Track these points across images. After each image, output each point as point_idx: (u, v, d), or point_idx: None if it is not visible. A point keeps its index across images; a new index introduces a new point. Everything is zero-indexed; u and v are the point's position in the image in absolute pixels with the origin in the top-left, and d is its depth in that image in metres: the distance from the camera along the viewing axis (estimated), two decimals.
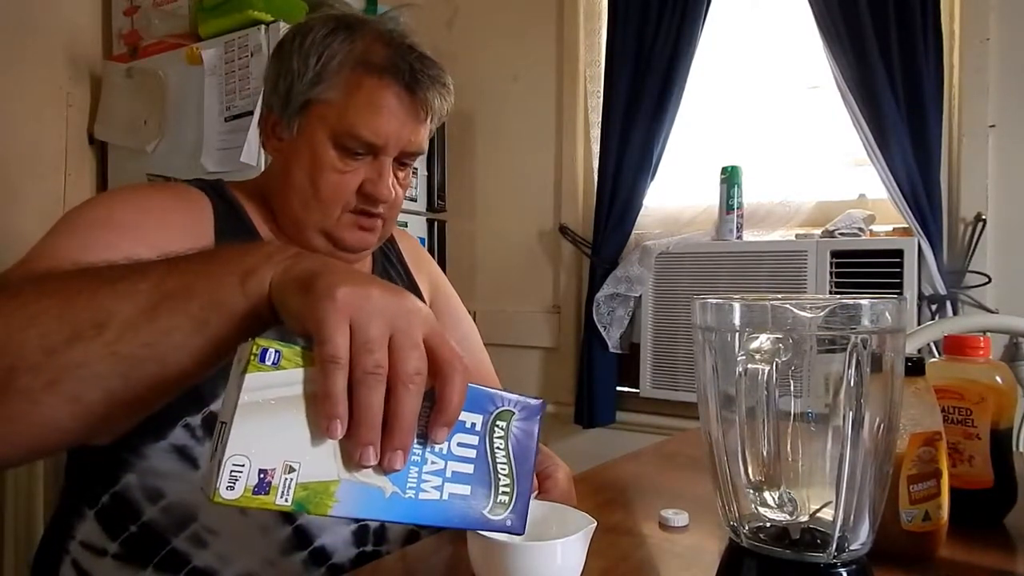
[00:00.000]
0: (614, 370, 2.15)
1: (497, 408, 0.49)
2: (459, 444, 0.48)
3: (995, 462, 0.74)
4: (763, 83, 2.01)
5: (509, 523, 0.50)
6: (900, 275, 1.68)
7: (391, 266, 1.00)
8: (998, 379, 0.76)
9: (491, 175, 2.49)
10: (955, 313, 1.68)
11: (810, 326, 0.48)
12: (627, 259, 2.09)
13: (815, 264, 1.79)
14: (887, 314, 0.48)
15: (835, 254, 1.78)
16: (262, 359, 0.42)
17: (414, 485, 0.46)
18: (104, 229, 0.71)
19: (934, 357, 0.87)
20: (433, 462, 0.47)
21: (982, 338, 0.78)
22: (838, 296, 0.70)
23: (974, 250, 1.69)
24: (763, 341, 0.49)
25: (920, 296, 1.70)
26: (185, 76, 1.94)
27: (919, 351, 1.16)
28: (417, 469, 0.46)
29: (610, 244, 2.11)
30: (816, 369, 0.49)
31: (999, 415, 0.75)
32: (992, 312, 1.66)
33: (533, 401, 0.51)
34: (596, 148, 2.19)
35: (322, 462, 0.43)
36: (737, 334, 0.51)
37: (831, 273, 1.78)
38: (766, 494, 0.50)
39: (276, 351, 0.42)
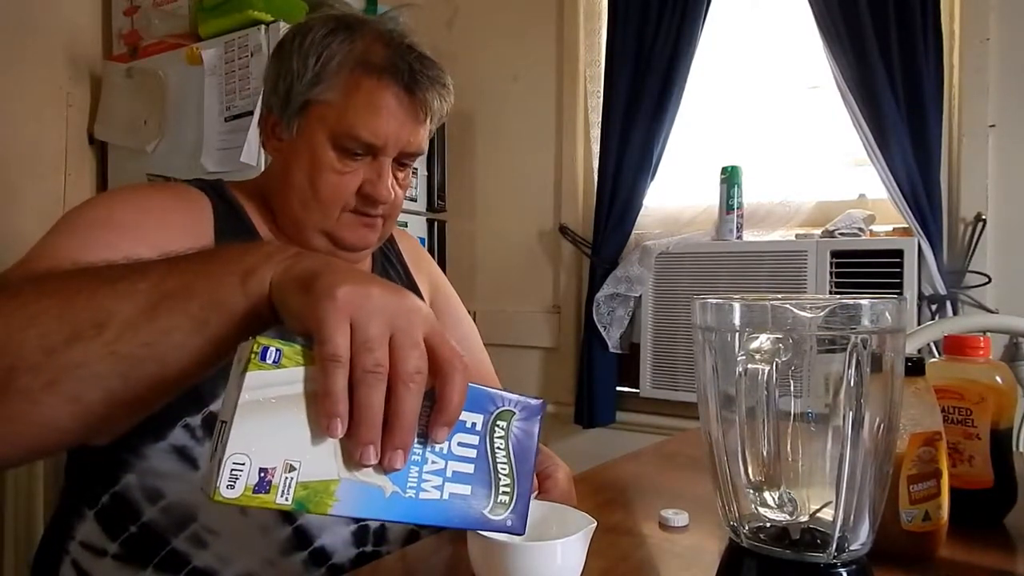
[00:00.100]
0: (614, 370, 2.15)
1: (498, 408, 0.49)
2: (459, 444, 0.48)
3: (995, 462, 0.74)
4: (763, 83, 2.01)
5: (509, 523, 0.50)
6: (900, 275, 1.68)
7: (391, 266, 1.00)
8: (998, 379, 0.76)
9: (491, 175, 2.49)
10: (955, 313, 1.68)
11: (810, 326, 0.48)
12: (627, 259, 2.09)
13: (815, 264, 1.79)
14: (887, 314, 0.48)
15: (835, 254, 1.78)
16: (263, 358, 0.42)
17: (414, 485, 0.46)
18: (104, 229, 0.71)
19: (934, 357, 0.87)
20: (433, 462, 0.47)
21: (982, 338, 0.78)
22: (838, 296, 0.70)
23: (974, 250, 1.70)
24: (763, 341, 0.49)
25: (920, 296, 1.70)
26: (185, 76, 1.94)
27: (919, 351, 1.16)
28: (417, 469, 0.46)
29: (610, 244, 2.11)
30: (816, 369, 0.49)
31: (999, 415, 0.75)
32: (992, 312, 1.66)
33: (533, 401, 0.51)
34: (596, 148, 2.19)
35: (322, 461, 0.43)
36: (737, 334, 0.50)
37: (831, 273, 1.78)
38: (766, 494, 0.50)
39: (277, 350, 0.42)
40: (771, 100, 2.00)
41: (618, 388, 2.17)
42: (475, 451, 0.48)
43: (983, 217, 1.69)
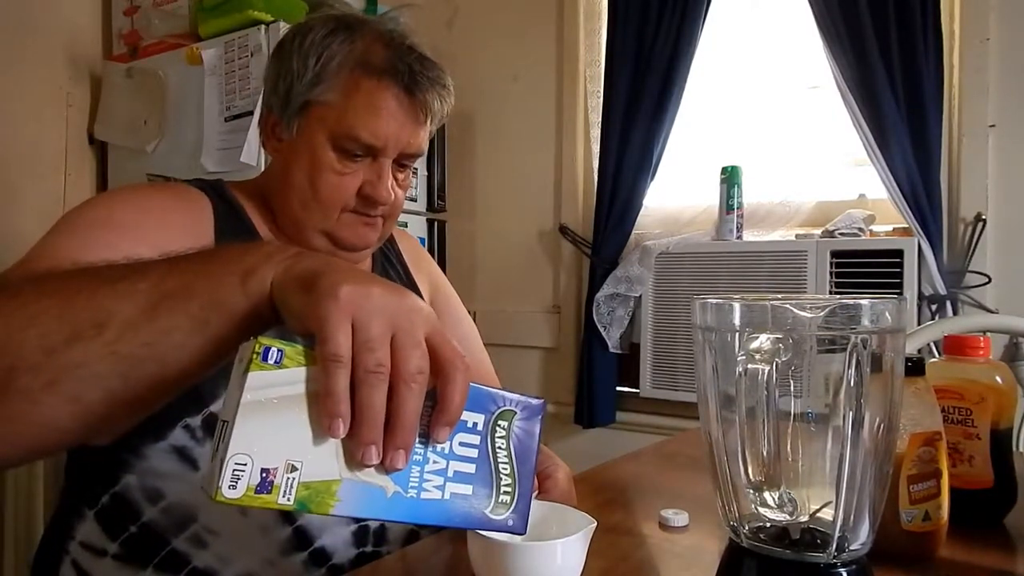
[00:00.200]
0: (614, 370, 2.15)
1: (499, 408, 0.49)
2: (461, 444, 0.48)
3: (995, 462, 0.74)
4: (763, 83, 2.01)
5: (511, 523, 0.50)
6: (900, 275, 1.68)
7: (391, 266, 1.00)
8: (998, 379, 0.76)
9: (491, 175, 2.49)
10: (955, 313, 1.68)
11: (810, 326, 0.48)
12: (627, 259, 2.09)
13: (815, 264, 1.80)
14: (887, 314, 0.49)
15: (835, 254, 1.78)
16: (264, 358, 0.42)
17: (416, 485, 0.46)
18: (104, 229, 0.71)
19: (934, 357, 0.87)
20: (435, 462, 0.47)
21: (982, 338, 0.78)
22: (838, 296, 0.70)
23: (974, 250, 1.70)
24: (763, 341, 0.49)
25: (920, 296, 1.70)
26: (185, 76, 1.94)
27: (919, 351, 1.16)
28: (419, 469, 0.46)
29: (610, 244, 2.11)
30: (816, 369, 0.49)
31: (999, 415, 0.75)
32: (992, 312, 1.66)
33: (535, 401, 0.51)
34: (596, 148, 2.19)
35: (324, 461, 0.43)
36: (737, 334, 0.51)
37: (831, 273, 1.78)
38: (766, 494, 0.50)
39: (278, 350, 0.42)
40: (771, 100, 2.00)
41: (618, 388, 2.17)
42: (476, 451, 0.48)
43: (983, 217, 1.69)
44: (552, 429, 2.21)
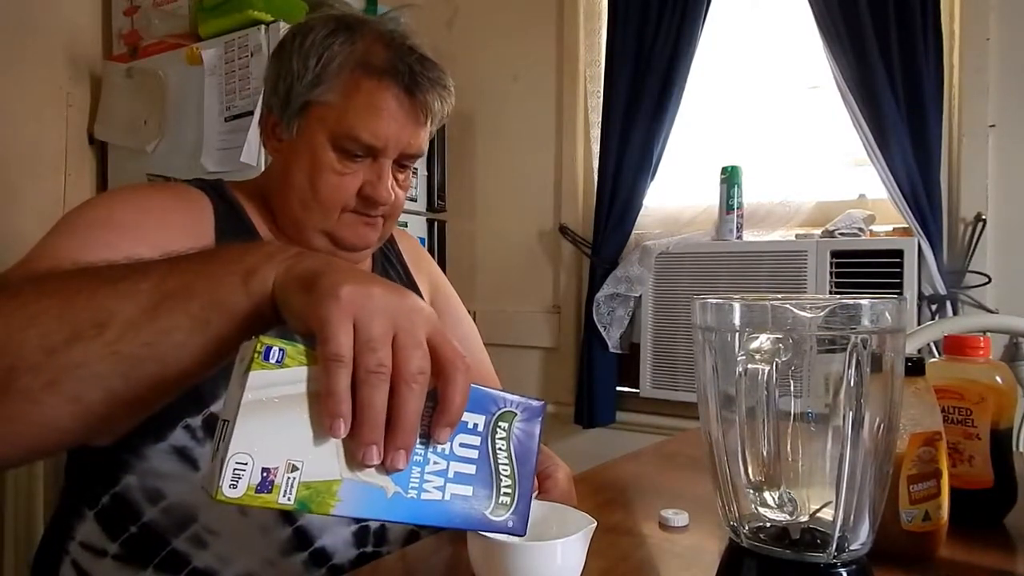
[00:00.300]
0: (614, 370, 2.15)
1: (499, 409, 0.49)
2: (461, 444, 0.48)
3: (995, 462, 0.74)
4: (763, 83, 2.01)
5: (511, 524, 0.50)
6: (900, 275, 1.68)
7: (391, 266, 1.00)
8: (998, 379, 0.76)
9: (491, 175, 2.49)
10: (955, 313, 1.68)
11: (810, 326, 0.48)
12: (627, 259, 2.09)
13: (815, 264, 1.80)
14: (887, 314, 0.49)
15: (835, 254, 1.78)
16: (266, 357, 0.42)
17: (416, 485, 0.46)
18: (104, 229, 0.71)
19: (934, 357, 0.87)
20: (435, 462, 0.47)
21: (982, 338, 0.78)
22: (838, 296, 0.70)
23: (974, 250, 1.70)
24: (763, 341, 0.49)
25: (920, 296, 1.70)
26: (185, 76, 1.94)
27: (919, 351, 1.16)
28: (419, 469, 0.46)
29: (610, 244, 2.11)
30: (816, 369, 0.49)
31: (999, 415, 0.75)
32: (992, 312, 1.67)
33: (535, 402, 0.51)
34: (596, 148, 2.19)
35: (325, 461, 0.43)
36: (737, 334, 0.51)
37: (831, 273, 1.78)
38: (766, 494, 0.50)
39: (280, 349, 0.42)
40: (771, 100, 2.00)
41: (618, 388, 2.17)
42: (477, 452, 0.48)
43: (983, 217, 1.69)
44: (552, 429, 2.21)
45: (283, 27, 1.76)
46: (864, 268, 1.74)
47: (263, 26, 1.81)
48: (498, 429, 0.49)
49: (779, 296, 0.50)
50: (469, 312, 1.11)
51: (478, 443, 0.48)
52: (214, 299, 0.49)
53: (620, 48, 2.10)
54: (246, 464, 0.40)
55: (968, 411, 0.75)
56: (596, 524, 0.57)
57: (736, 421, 0.50)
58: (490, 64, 2.45)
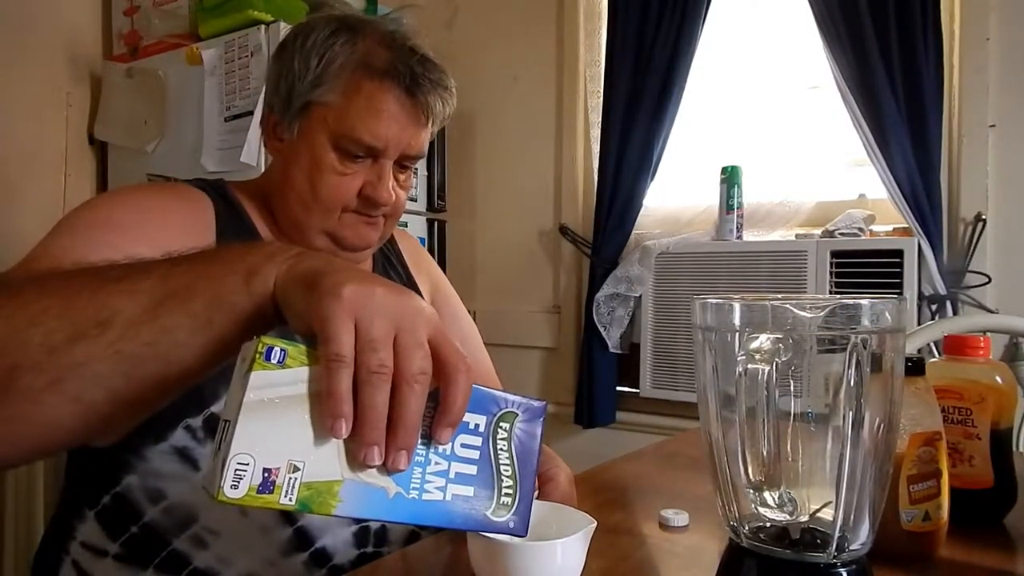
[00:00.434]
0: (614, 370, 2.15)
1: (501, 409, 0.49)
2: (463, 445, 0.48)
3: (995, 462, 0.74)
4: (763, 83, 2.01)
5: (512, 525, 0.50)
6: (900, 275, 1.68)
7: (391, 267, 1.00)
8: (998, 379, 0.76)
9: (491, 175, 2.49)
10: (955, 313, 1.68)
11: (810, 326, 0.48)
12: (627, 259, 2.09)
13: (815, 264, 1.80)
14: (887, 314, 0.49)
15: (835, 254, 1.78)
16: (267, 357, 0.42)
17: (418, 486, 0.46)
18: (105, 229, 0.71)
19: (934, 357, 0.87)
20: (437, 463, 0.47)
21: (982, 338, 0.78)
22: (838, 296, 0.70)
23: (974, 250, 1.70)
24: (763, 341, 0.49)
25: (920, 296, 1.70)
26: (185, 76, 1.94)
27: (919, 351, 1.16)
28: (421, 470, 0.46)
29: (610, 244, 2.11)
30: (816, 369, 0.50)
31: (999, 415, 0.75)
32: (992, 312, 1.67)
33: (536, 403, 0.51)
34: (596, 148, 2.19)
35: (326, 461, 0.43)
36: (737, 334, 0.51)
37: (831, 273, 1.78)
38: (766, 494, 0.50)
39: (281, 350, 0.42)
40: (771, 100, 2.00)
41: (618, 388, 2.17)
42: (478, 452, 0.48)
43: (983, 217, 1.69)
44: (552, 429, 2.20)
45: (283, 27, 1.76)
46: (864, 268, 1.74)
47: (263, 26, 1.81)
48: (499, 430, 0.49)
49: (779, 296, 0.50)
50: (469, 312, 1.11)
51: (479, 444, 0.48)
52: (216, 298, 0.49)
53: (620, 48, 2.10)
54: (247, 464, 0.40)
55: (968, 411, 0.75)
56: (596, 524, 0.57)
57: (736, 421, 0.50)
58: (490, 64, 2.45)
